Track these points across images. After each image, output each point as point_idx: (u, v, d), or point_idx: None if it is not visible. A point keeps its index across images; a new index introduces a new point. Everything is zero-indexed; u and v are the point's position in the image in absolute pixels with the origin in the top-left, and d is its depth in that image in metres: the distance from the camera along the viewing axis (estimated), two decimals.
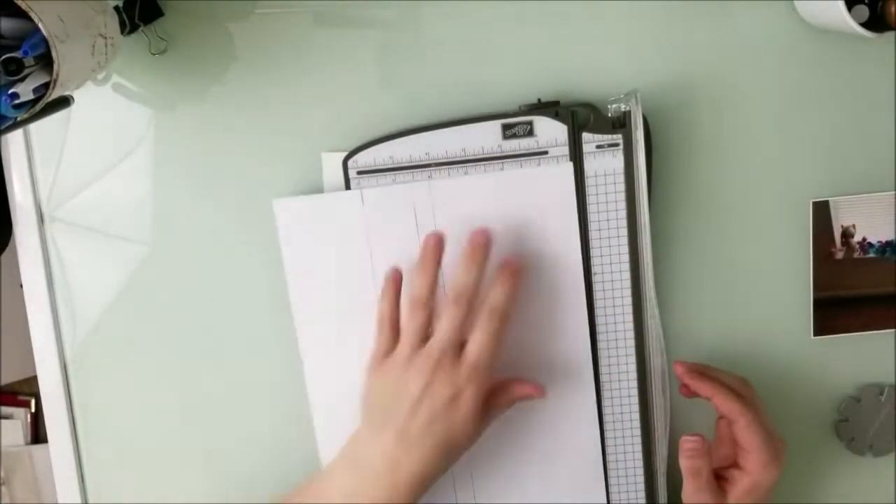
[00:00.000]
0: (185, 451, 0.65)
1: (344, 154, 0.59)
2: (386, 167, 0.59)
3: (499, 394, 0.56)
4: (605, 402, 0.61)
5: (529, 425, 0.61)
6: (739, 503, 0.54)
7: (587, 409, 0.61)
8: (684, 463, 0.55)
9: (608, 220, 0.59)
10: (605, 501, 0.62)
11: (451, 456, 0.54)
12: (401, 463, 0.52)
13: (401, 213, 0.59)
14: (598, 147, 0.58)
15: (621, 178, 0.58)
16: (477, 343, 0.54)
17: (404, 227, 0.59)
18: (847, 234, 0.62)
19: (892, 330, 0.63)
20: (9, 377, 1.56)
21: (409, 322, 0.55)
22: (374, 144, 0.59)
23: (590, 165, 0.58)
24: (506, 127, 0.58)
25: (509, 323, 0.55)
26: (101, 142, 0.62)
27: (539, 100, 0.58)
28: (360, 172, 0.59)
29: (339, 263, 0.60)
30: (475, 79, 0.60)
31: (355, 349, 0.59)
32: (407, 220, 0.59)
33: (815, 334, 0.63)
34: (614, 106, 0.57)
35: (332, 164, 0.60)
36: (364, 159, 0.59)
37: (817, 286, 0.62)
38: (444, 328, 0.54)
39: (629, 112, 0.57)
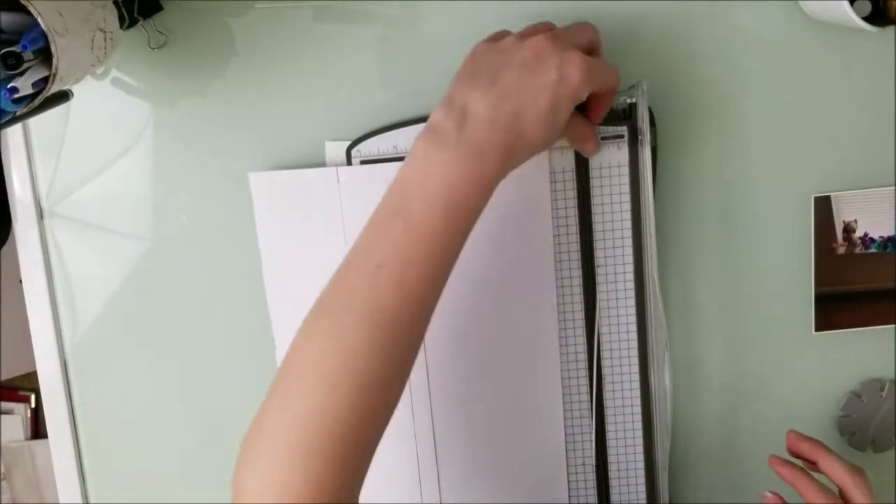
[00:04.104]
0: (185, 445, 0.65)
1: (347, 143, 0.59)
2: (390, 156, 0.59)
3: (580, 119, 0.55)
4: (607, 394, 0.61)
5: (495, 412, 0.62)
6: None
7: (552, 396, 0.62)
8: None
9: (612, 212, 0.59)
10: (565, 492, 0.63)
11: (536, 130, 0.50)
12: (504, 115, 0.49)
13: (377, 192, 0.59)
14: (603, 139, 0.58)
15: (626, 171, 0.58)
16: (590, 55, 0.51)
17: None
18: (848, 230, 0.61)
19: (894, 325, 0.63)
20: (9, 373, 1.56)
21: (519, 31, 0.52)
22: (378, 133, 0.59)
23: (594, 157, 0.58)
24: None
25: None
26: (101, 136, 0.62)
27: None
28: (363, 161, 0.59)
29: (312, 238, 0.60)
30: None
31: None
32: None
33: (817, 330, 0.63)
34: (620, 98, 0.57)
35: (335, 153, 0.60)
36: (367, 148, 0.59)
37: (819, 281, 0.62)
38: (560, 28, 0.52)
39: (635, 104, 0.57)
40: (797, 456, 0.58)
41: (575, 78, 0.49)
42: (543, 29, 0.53)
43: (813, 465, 0.56)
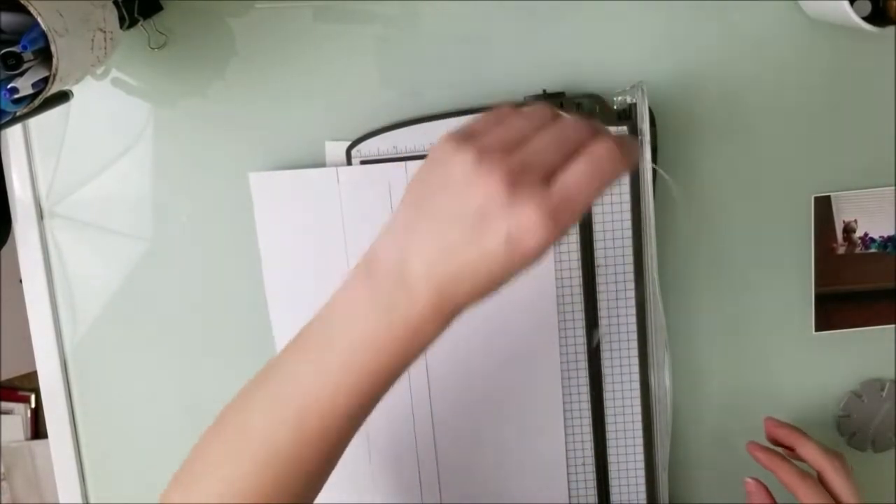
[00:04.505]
0: (185, 445, 0.65)
1: (347, 143, 0.59)
2: (390, 157, 0.59)
3: None
4: (607, 394, 0.61)
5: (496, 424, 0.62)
6: None
7: (553, 405, 0.61)
8: None
9: (612, 212, 0.59)
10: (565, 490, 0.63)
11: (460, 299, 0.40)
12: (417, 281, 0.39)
13: (376, 192, 0.59)
14: None
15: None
16: (578, 174, 0.37)
17: (380, 205, 0.59)
18: (848, 230, 0.61)
19: (894, 325, 0.63)
20: (9, 373, 1.56)
21: (504, 126, 0.40)
22: (379, 133, 0.59)
23: None
24: None
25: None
26: (101, 137, 0.62)
27: (544, 91, 0.58)
28: (363, 162, 0.59)
29: (312, 238, 0.60)
30: (480, 70, 0.60)
31: None
32: (382, 200, 0.59)
33: (817, 330, 0.63)
34: (620, 98, 0.57)
35: (335, 153, 0.60)
36: (367, 148, 0.59)
37: (819, 281, 0.62)
38: (543, 141, 0.39)
39: (635, 104, 0.57)
40: (776, 442, 0.58)
41: (528, 246, 0.37)
42: (515, 132, 0.40)
43: (791, 450, 0.57)
